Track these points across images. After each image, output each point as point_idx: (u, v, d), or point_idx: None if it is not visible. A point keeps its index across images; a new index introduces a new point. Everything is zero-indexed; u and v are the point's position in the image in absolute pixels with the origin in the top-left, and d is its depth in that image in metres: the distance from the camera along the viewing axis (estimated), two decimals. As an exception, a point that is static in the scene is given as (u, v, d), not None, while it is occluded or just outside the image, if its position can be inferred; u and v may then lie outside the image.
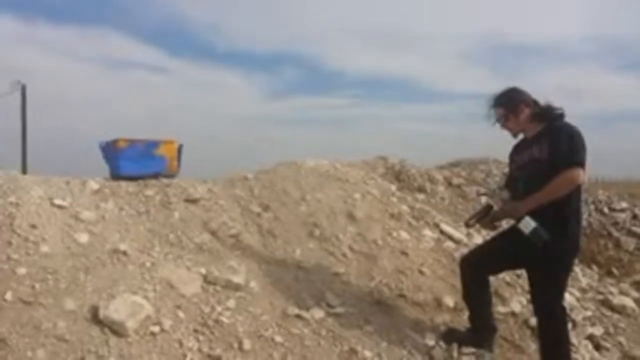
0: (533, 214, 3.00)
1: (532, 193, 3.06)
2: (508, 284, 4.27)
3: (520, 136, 3.39)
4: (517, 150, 3.42)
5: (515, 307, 3.99)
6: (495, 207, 3.48)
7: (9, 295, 2.88)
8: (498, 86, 3.39)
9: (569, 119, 3.15)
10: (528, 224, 2.97)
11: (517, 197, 3.24)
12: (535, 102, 3.24)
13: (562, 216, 3.02)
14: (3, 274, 3.03)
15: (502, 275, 4.18)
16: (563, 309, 3.18)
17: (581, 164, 2.96)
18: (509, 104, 3.28)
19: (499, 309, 3.93)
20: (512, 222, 3.21)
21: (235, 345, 3.01)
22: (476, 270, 3.47)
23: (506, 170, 3.88)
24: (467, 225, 3.72)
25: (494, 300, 4.00)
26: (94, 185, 4.37)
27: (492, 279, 4.14)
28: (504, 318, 3.87)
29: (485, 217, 3.50)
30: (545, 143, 3.07)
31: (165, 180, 4.77)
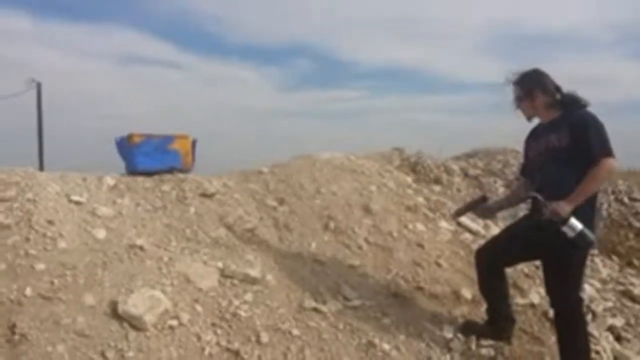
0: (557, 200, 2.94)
1: (551, 182, 3.03)
2: (527, 275, 4.23)
3: (536, 120, 3.33)
4: (533, 135, 3.35)
5: (534, 298, 3.95)
6: (490, 199, 3.46)
7: (28, 291, 2.91)
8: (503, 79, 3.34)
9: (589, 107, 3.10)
10: (574, 227, 2.84)
11: (535, 184, 3.20)
12: (558, 89, 3.16)
13: (578, 205, 2.93)
14: (22, 269, 3.06)
15: (520, 266, 4.14)
16: (580, 300, 3.14)
17: (613, 153, 2.91)
18: (525, 87, 3.22)
19: (518, 300, 3.90)
20: (524, 212, 3.16)
21: (253, 338, 3.01)
22: (492, 262, 3.44)
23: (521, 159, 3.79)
24: (457, 214, 3.75)
25: (513, 291, 3.98)
26: (110, 181, 4.40)
27: (510, 270, 4.11)
28: (523, 310, 3.84)
29: (477, 207, 3.53)
30: (565, 131, 3.01)
31: (180, 175, 4.78)
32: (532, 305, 3.87)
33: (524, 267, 4.19)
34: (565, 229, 2.86)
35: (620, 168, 5.30)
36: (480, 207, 3.57)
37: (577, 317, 3.11)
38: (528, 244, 3.21)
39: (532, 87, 3.19)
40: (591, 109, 3.08)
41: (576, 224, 2.84)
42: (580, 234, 2.85)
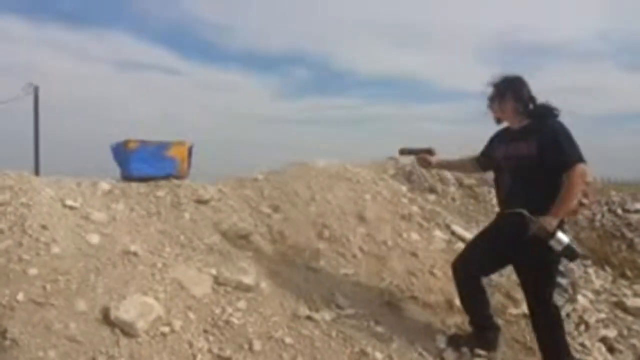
0: (529, 211, 2.99)
1: (519, 189, 3.13)
2: (519, 284, 4.23)
3: (504, 124, 3.40)
4: (500, 138, 3.41)
5: (527, 308, 3.95)
6: (436, 154, 3.70)
7: (20, 296, 2.90)
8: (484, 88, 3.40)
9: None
10: (561, 241, 2.89)
11: (502, 188, 3.32)
12: (532, 99, 3.22)
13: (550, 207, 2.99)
14: (14, 274, 3.05)
15: (513, 276, 4.14)
16: (556, 306, 3.22)
17: (584, 159, 2.97)
18: (498, 89, 3.30)
19: (511, 310, 3.91)
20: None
21: (246, 346, 3.01)
22: (468, 272, 3.45)
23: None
24: (401, 152, 3.87)
25: (506, 301, 3.99)
26: (105, 186, 4.39)
27: (503, 280, 4.13)
28: (516, 320, 3.84)
29: (420, 154, 3.73)
30: (534, 140, 3.07)
31: (175, 181, 4.77)
32: (525, 316, 3.86)
33: (517, 277, 4.20)
34: (552, 242, 2.91)
35: (602, 180, 5.37)
36: (423, 155, 3.75)
37: (559, 320, 3.19)
38: (505, 250, 3.26)
39: (505, 90, 3.27)
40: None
41: (563, 237, 2.90)
42: (567, 247, 2.90)
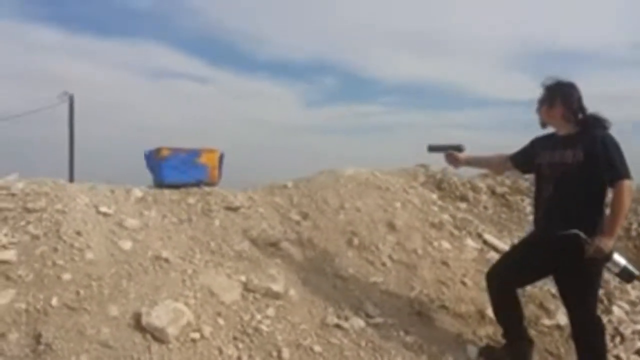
0: (567, 220, 2.94)
1: (560, 197, 3.06)
2: (553, 295, 4.14)
3: (549, 129, 3.32)
4: (545, 143, 3.32)
5: (561, 319, 3.85)
6: (465, 151, 3.69)
7: (54, 301, 2.96)
8: (539, 93, 3.33)
9: (615, 124, 3.08)
10: (618, 263, 2.85)
11: (543, 196, 3.22)
12: (582, 108, 3.14)
13: (595, 220, 2.97)
14: (49, 279, 3.12)
15: (547, 287, 4.06)
16: (599, 317, 3.16)
17: (631, 176, 2.93)
18: (549, 92, 3.22)
19: (544, 321, 3.83)
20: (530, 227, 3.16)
21: (275, 353, 3.01)
22: (503, 284, 3.37)
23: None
24: (430, 149, 3.84)
25: (539, 312, 3.91)
26: (138, 193, 4.47)
27: (536, 290, 4.05)
28: (549, 331, 3.76)
29: (449, 151, 3.71)
30: (581, 149, 3.00)
31: (206, 189, 4.83)
32: (559, 327, 3.78)
33: (550, 287, 4.11)
34: (609, 265, 2.86)
35: (638, 188, 5.25)
36: (452, 152, 3.72)
37: (601, 335, 3.11)
38: (542, 262, 3.19)
39: (555, 95, 3.19)
40: (620, 126, 3.06)
41: (619, 259, 2.84)
42: (624, 270, 2.84)
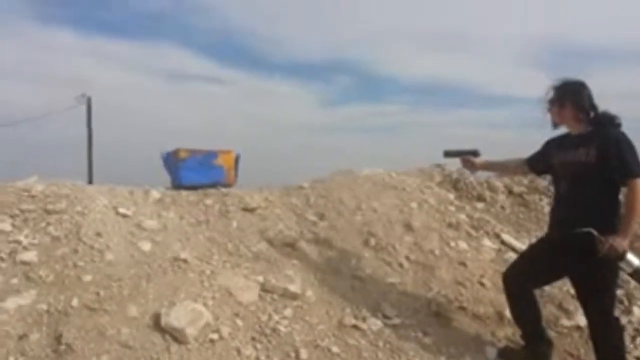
0: (581, 219, 2.92)
1: (575, 197, 3.04)
2: (573, 296, 4.08)
3: (562, 130, 3.30)
4: (559, 144, 3.30)
5: (581, 320, 3.80)
6: (480, 156, 3.66)
7: (75, 302, 3.00)
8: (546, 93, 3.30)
9: (630, 122, 3.06)
10: (632, 263, 2.81)
11: (559, 196, 3.21)
12: (593, 106, 3.11)
13: (609, 219, 2.94)
14: (69, 281, 3.16)
15: (566, 287, 4.02)
16: (617, 318, 3.13)
17: None
18: (559, 93, 3.20)
19: (564, 322, 3.78)
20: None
21: (293, 354, 3.02)
22: (520, 285, 3.35)
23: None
24: (446, 154, 3.82)
25: (559, 313, 3.86)
26: (156, 195, 4.51)
27: (556, 291, 4.01)
28: (569, 332, 3.72)
29: (466, 156, 3.69)
30: (594, 147, 2.97)
31: (223, 190, 4.86)
32: (579, 328, 3.74)
33: (570, 288, 4.06)
34: (622, 265, 2.82)
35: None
36: (468, 158, 3.71)
37: (619, 334, 3.08)
38: (559, 262, 3.16)
39: (565, 95, 3.16)
40: (634, 124, 3.04)
41: (634, 260, 2.81)
42: (638, 271, 2.80)
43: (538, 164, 3.50)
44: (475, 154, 3.73)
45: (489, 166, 3.87)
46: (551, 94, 3.24)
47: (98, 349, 2.75)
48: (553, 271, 3.29)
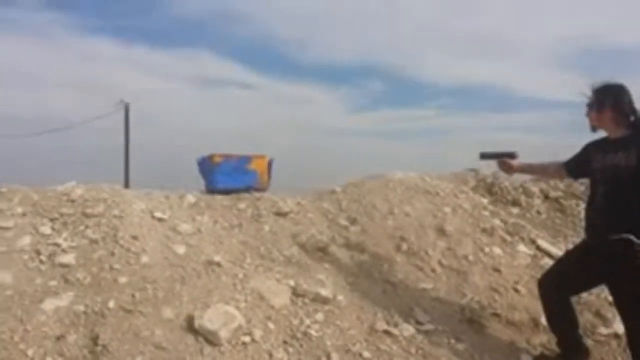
0: (619, 225, 2.85)
1: (614, 201, 2.95)
2: (611, 304, 3.97)
3: (601, 134, 3.21)
4: (598, 148, 3.21)
5: (619, 328, 3.69)
6: (518, 158, 3.61)
7: (111, 304, 3.07)
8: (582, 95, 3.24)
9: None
10: None
11: (595, 201, 3.11)
12: (634, 110, 3.02)
13: None
14: (106, 283, 3.24)
15: (604, 295, 3.92)
16: None
17: None
18: (598, 97, 3.12)
19: (601, 330, 3.69)
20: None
21: (324, 359, 3.02)
22: (556, 292, 3.27)
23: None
24: (482, 157, 3.77)
25: (596, 321, 3.77)
26: (191, 199, 4.59)
27: (593, 298, 3.92)
28: (607, 340, 3.62)
29: (503, 158, 3.65)
30: (634, 152, 2.88)
31: (256, 194, 4.91)
32: (617, 336, 3.63)
33: (607, 295, 3.96)
34: None
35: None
36: (505, 160, 3.66)
37: None
38: (597, 269, 3.07)
39: (604, 99, 3.09)
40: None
41: None
42: None
43: (576, 167, 3.42)
44: (512, 156, 3.67)
45: (526, 169, 3.80)
46: (590, 97, 3.18)
47: (133, 350, 2.80)
48: (590, 278, 3.21)
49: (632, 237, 2.80)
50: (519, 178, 6.42)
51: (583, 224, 3.33)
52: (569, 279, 3.24)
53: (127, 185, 18.58)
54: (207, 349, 2.89)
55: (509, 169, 3.73)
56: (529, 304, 3.85)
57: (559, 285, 3.26)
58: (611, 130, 3.11)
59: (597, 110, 3.12)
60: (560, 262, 3.52)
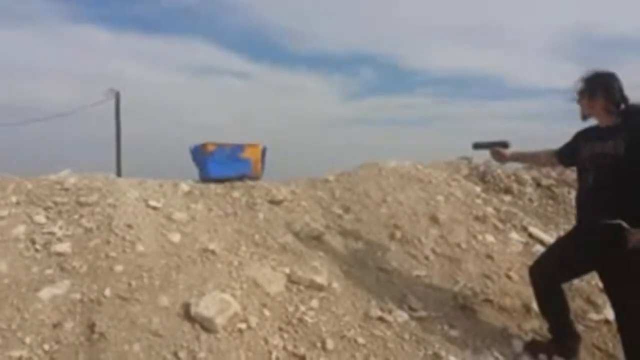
0: (608, 211, 2.89)
1: (602, 188, 2.99)
2: (601, 289, 4.04)
3: (591, 122, 3.25)
4: (587, 136, 3.25)
5: (609, 314, 3.75)
6: (511, 147, 3.65)
7: (107, 292, 3.09)
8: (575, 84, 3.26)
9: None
10: None
11: (584, 188, 3.17)
12: (624, 98, 3.05)
13: (637, 212, 2.86)
14: (102, 271, 3.25)
15: (594, 281, 3.97)
16: None
17: None
18: (589, 85, 3.15)
19: (592, 316, 3.75)
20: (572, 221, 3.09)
21: (319, 344, 3.05)
22: (547, 278, 3.32)
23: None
24: (475, 146, 3.81)
25: (587, 307, 3.83)
26: (185, 187, 4.59)
27: (584, 284, 3.97)
28: (597, 326, 3.68)
29: (495, 147, 3.69)
30: (622, 139, 2.92)
31: (250, 183, 4.91)
32: (607, 322, 3.69)
33: (598, 281, 4.01)
34: None
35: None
36: (498, 149, 3.71)
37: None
38: (588, 255, 3.12)
39: (595, 87, 3.11)
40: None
41: None
42: None
43: (567, 155, 3.45)
44: (504, 145, 3.71)
45: (518, 157, 3.85)
46: (581, 85, 3.20)
47: (130, 337, 2.83)
48: (581, 264, 3.25)
49: (623, 223, 2.83)
50: (512, 165, 6.47)
51: (575, 210, 3.37)
52: (560, 265, 3.28)
53: (119, 173, 18.51)
54: (203, 336, 2.92)
55: (501, 158, 3.77)
56: (521, 290, 3.91)
57: (551, 272, 3.30)
58: (601, 118, 3.14)
59: (588, 98, 3.15)
60: (551, 249, 3.56)
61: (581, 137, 3.32)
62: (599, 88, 3.09)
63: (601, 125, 3.16)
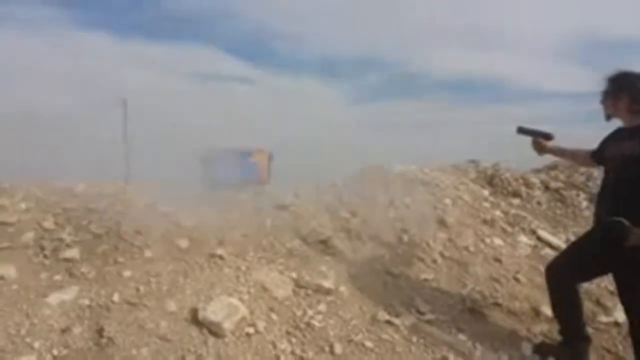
0: (619, 211, 2.83)
1: (619, 189, 2.95)
2: (611, 292, 4.02)
3: (617, 123, 3.19)
4: (613, 137, 3.21)
5: (619, 316, 3.74)
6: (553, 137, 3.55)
7: (116, 297, 3.10)
8: (593, 85, 3.23)
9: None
10: None
11: (604, 189, 3.12)
12: None
13: None
14: (110, 276, 3.27)
15: (604, 283, 3.95)
16: None
17: None
18: (614, 84, 3.09)
19: (601, 318, 3.72)
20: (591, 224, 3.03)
21: (327, 348, 3.05)
22: (563, 279, 3.28)
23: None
24: (519, 130, 3.72)
25: (596, 309, 3.80)
26: (193, 193, 4.61)
27: (593, 287, 3.94)
28: (607, 328, 3.65)
29: (538, 137, 3.60)
30: (639, 140, 2.87)
31: (257, 188, 4.93)
32: (617, 324, 3.67)
33: (608, 284, 3.99)
34: None
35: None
36: (539, 139, 3.64)
37: None
38: (603, 257, 3.07)
39: (621, 86, 3.06)
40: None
41: None
42: None
43: (598, 156, 3.39)
44: (548, 137, 3.63)
45: (557, 152, 3.73)
46: (606, 86, 3.17)
47: (138, 342, 2.83)
48: (595, 265, 3.21)
49: (624, 220, 2.80)
50: (518, 168, 6.46)
51: (585, 214, 3.34)
52: (573, 266, 3.24)
53: (127, 180, 18.58)
54: (211, 340, 2.92)
55: (540, 149, 3.70)
56: (530, 293, 3.89)
57: (564, 273, 3.26)
58: (625, 119, 3.09)
59: (613, 97, 3.10)
60: (567, 251, 3.52)
61: (610, 137, 3.28)
62: (625, 88, 3.05)
63: (625, 126, 3.12)
